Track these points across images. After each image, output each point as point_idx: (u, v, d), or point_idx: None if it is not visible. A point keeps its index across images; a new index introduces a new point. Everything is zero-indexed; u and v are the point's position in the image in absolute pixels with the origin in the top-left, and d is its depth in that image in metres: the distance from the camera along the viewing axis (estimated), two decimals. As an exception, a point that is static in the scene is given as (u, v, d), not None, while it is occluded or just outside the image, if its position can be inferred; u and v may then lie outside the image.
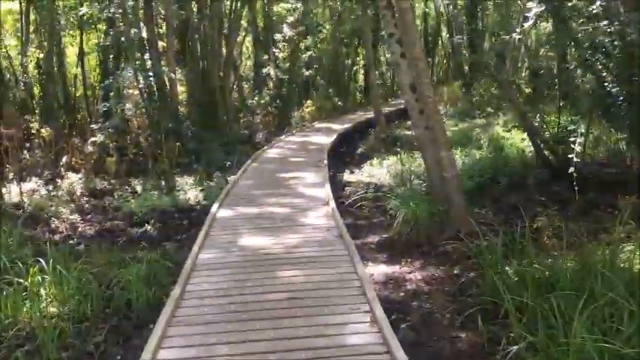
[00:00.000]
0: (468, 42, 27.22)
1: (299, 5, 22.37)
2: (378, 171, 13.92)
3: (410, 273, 7.02)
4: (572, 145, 7.13)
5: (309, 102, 27.50)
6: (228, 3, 22.13)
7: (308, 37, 26.13)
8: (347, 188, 12.23)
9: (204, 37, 19.77)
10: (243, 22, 24.07)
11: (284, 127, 21.78)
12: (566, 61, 12.19)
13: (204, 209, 11.33)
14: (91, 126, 15.57)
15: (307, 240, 7.66)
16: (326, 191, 10.32)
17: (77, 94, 23.07)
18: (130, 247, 8.93)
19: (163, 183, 13.55)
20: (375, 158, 15.07)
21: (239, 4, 20.70)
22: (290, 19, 22.17)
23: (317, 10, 31.63)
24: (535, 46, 23.34)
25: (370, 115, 25.10)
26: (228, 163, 15.76)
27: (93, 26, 22.18)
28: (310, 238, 7.73)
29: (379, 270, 7.19)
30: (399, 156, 14.33)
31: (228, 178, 13.73)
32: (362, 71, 39.67)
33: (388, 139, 18.24)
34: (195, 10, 19.56)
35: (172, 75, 15.38)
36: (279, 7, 24.30)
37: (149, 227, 10.01)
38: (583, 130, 7.14)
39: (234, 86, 23.93)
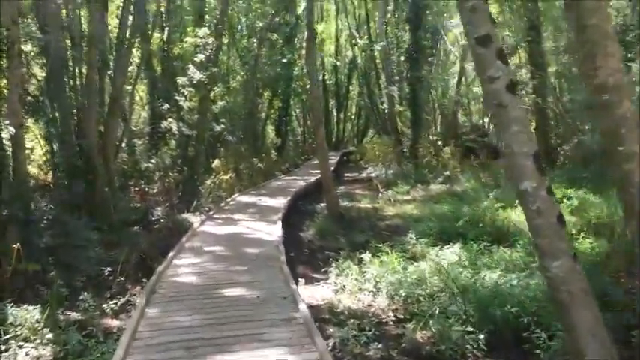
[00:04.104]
0: (410, 92, 23.25)
1: (210, 41, 17.06)
2: (353, 283, 8.59)
3: None
4: None
5: (216, 162, 22.00)
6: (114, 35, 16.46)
7: (219, 83, 20.88)
8: (328, 339, 6.72)
9: (77, 76, 13.92)
10: (135, 59, 18.31)
11: (191, 200, 16.03)
12: None
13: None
14: None
15: None
16: None
17: None
18: None
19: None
20: (343, 258, 9.76)
21: (127, 34, 14.95)
22: (199, 57, 16.78)
23: (222, 57, 26.58)
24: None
25: (301, 181, 20.09)
26: (108, 269, 9.85)
27: None
28: None
29: None
30: (389, 256, 9.18)
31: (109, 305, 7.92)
32: (271, 127, 35.01)
33: (345, 220, 13.17)
34: (66, 38, 13.72)
35: (12, 130, 9.40)
36: (185, 43, 18.78)
37: None
38: None
39: (123, 145, 17.96)
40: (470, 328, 6.06)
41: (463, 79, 29.52)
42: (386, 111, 33.08)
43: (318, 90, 14.74)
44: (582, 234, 9.41)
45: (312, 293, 8.79)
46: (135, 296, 8.36)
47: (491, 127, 36.96)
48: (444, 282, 7.45)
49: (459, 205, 13.52)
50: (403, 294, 7.38)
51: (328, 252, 11.24)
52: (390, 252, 9.45)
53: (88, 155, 13.41)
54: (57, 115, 14.13)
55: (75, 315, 8.02)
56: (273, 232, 10.62)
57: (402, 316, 7.24)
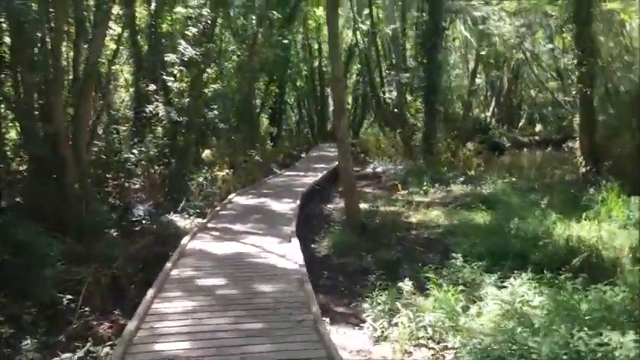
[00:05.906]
0: (426, 79, 20.81)
1: (204, 12, 14.57)
2: (400, 331, 6.32)
3: None
4: None
5: (206, 152, 19.62)
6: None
7: (212, 65, 18.42)
8: None
9: (42, 48, 11.44)
10: (115, 27, 15.57)
11: (179, 198, 13.69)
12: None
13: None
14: None
15: None
16: None
17: None
18: None
19: None
20: (378, 289, 7.44)
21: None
22: (192, 30, 14.32)
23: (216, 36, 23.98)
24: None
25: (306, 178, 17.80)
26: (67, 297, 7.51)
27: None
28: None
29: None
30: (439, 289, 6.88)
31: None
32: (265, 115, 32.46)
33: (367, 230, 10.86)
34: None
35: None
36: (174, 15, 16.23)
37: None
38: None
39: (99, 131, 15.45)
40: None
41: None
42: (387, 100, 30.71)
43: (339, 66, 12.12)
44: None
45: (341, 341, 6.51)
46: (100, 347, 5.98)
47: (493, 120, 34.76)
48: (539, 344, 5.16)
49: (502, 213, 11.29)
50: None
51: (353, 275, 8.99)
52: (439, 282, 7.16)
53: (55, 143, 10.98)
54: (22, 95, 11.73)
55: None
56: (289, 254, 8.06)
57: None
